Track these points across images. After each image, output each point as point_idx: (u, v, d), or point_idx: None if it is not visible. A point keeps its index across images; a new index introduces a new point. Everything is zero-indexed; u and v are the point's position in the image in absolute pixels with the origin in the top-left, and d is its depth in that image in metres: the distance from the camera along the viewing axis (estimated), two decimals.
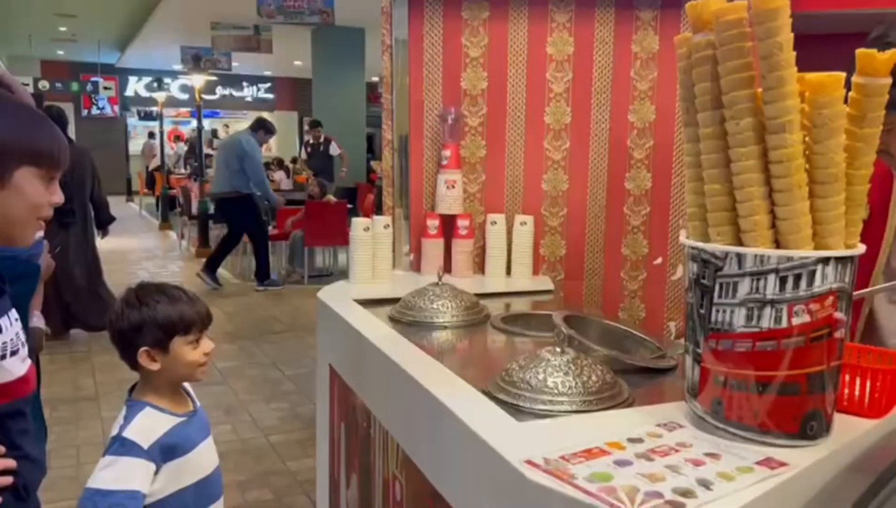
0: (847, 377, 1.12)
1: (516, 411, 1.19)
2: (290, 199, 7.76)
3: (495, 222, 2.31)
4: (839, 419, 1.06)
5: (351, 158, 10.59)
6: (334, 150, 9.84)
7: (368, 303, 1.93)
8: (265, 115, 20.45)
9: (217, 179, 7.00)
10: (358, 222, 2.15)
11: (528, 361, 1.28)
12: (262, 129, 7.02)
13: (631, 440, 1.01)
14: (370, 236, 2.15)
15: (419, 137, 2.33)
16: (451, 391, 1.26)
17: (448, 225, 2.32)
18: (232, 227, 7.09)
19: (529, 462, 0.94)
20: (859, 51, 0.91)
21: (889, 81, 0.91)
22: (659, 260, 2.42)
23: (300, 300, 6.56)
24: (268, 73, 19.00)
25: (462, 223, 2.30)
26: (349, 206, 7.70)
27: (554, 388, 1.22)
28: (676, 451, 0.98)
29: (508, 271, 2.33)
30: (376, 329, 1.67)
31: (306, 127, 11.37)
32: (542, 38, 2.30)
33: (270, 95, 19.92)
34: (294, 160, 12.70)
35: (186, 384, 1.69)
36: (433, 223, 2.30)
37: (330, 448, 1.97)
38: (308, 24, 10.20)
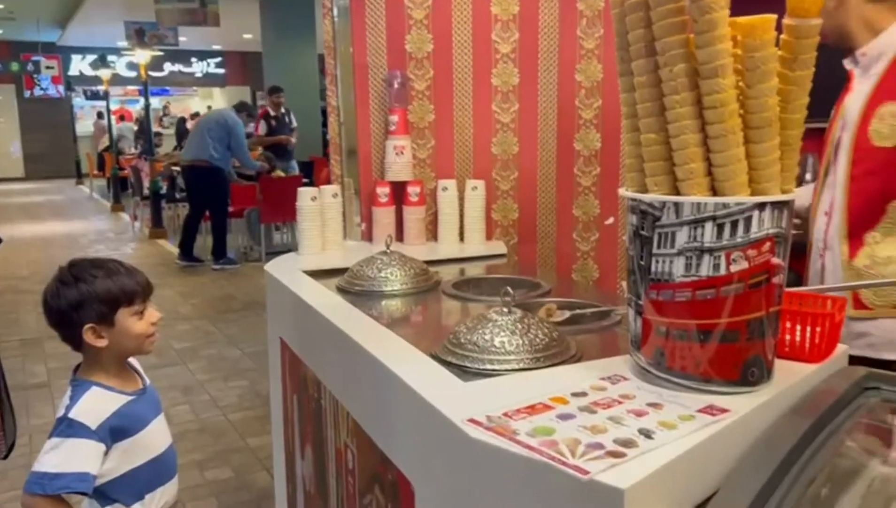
0: (787, 324, 1.13)
1: (464, 372, 1.18)
2: (240, 173, 7.61)
3: (446, 188, 2.28)
4: (780, 365, 1.07)
5: (305, 132, 10.39)
6: (293, 121, 9.63)
7: (318, 274, 1.90)
8: (216, 90, 19.94)
9: (192, 148, 6.96)
10: (304, 192, 2.11)
11: (475, 323, 1.27)
12: (245, 111, 7.39)
13: (574, 395, 1.00)
14: (318, 207, 2.11)
15: (365, 103, 2.28)
16: (398, 356, 1.24)
17: (399, 192, 2.29)
18: (195, 200, 7.06)
19: (472, 421, 0.93)
20: None
21: (819, 21, 0.91)
22: (611, 220, 2.42)
23: (259, 278, 6.47)
24: (217, 47, 18.55)
25: (413, 190, 2.27)
26: (305, 180, 7.58)
27: (501, 347, 1.21)
28: (620, 403, 0.98)
29: (462, 236, 2.32)
30: (324, 299, 1.64)
31: (260, 99, 11.05)
32: None
33: (221, 70, 19.47)
34: (247, 135, 12.44)
35: (135, 362, 1.65)
36: (383, 191, 2.26)
37: (284, 421, 1.94)
38: None
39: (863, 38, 1.69)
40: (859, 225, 1.68)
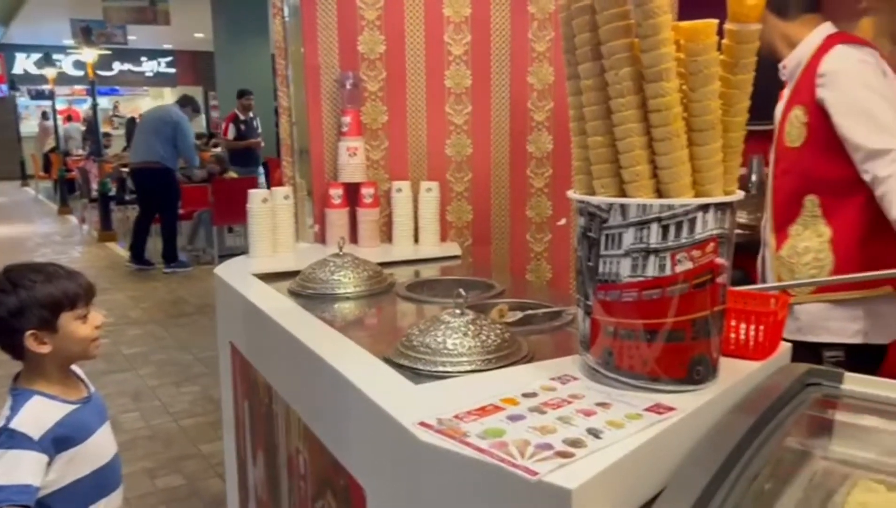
0: (732, 322, 1.15)
1: (416, 375, 1.17)
2: (196, 178, 7.46)
3: (400, 190, 2.28)
4: (726, 363, 1.09)
5: (262, 133, 10.25)
6: (259, 126, 9.45)
7: (269, 277, 1.87)
8: (167, 90, 19.50)
9: (139, 149, 6.73)
10: (255, 194, 2.07)
11: (427, 325, 1.26)
12: (189, 105, 7.03)
13: (525, 395, 1.01)
14: (269, 209, 2.08)
15: (317, 104, 2.26)
16: (349, 359, 1.23)
17: (352, 194, 2.27)
18: (146, 202, 6.85)
19: (423, 424, 0.92)
20: None
21: (759, 27, 0.93)
22: (563, 221, 2.45)
23: (211, 281, 6.34)
24: (168, 46, 18.16)
25: (366, 192, 2.26)
26: (261, 181, 7.48)
27: (453, 349, 1.21)
28: (569, 403, 0.98)
29: (416, 238, 2.31)
30: (275, 303, 1.62)
31: (212, 99, 10.83)
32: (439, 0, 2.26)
33: (172, 70, 19.06)
34: (199, 136, 12.23)
35: (78, 370, 1.60)
36: (336, 193, 2.24)
37: (235, 427, 1.91)
38: None
39: (784, 51, 1.87)
40: (783, 219, 1.85)
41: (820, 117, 1.73)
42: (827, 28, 1.82)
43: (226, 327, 1.93)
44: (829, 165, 1.73)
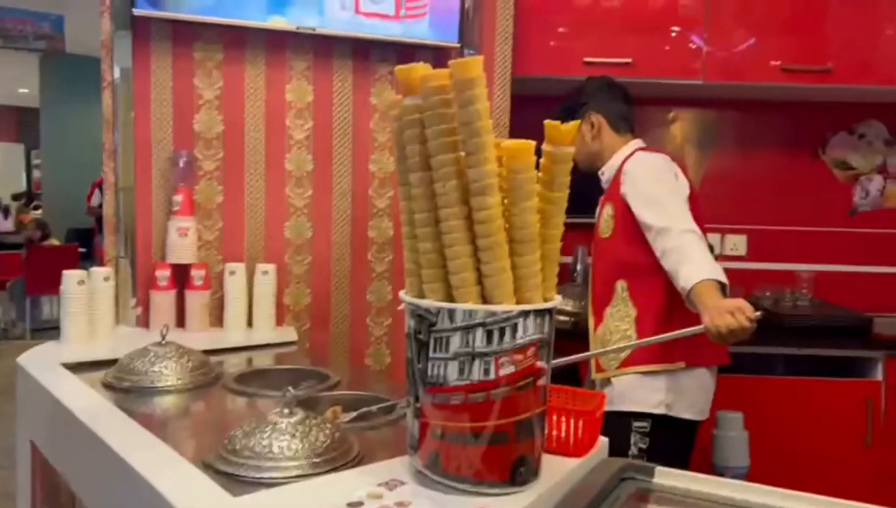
0: (554, 417, 1.20)
1: (237, 482, 1.10)
2: (8, 242, 6.82)
3: (234, 272, 2.20)
4: (548, 460, 1.13)
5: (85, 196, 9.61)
6: None
7: (82, 367, 1.72)
8: None
9: None
10: (70, 276, 1.91)
11: (253, 426, 1.20)
12: None
13: (350, 505, 0.98)
14: (86, 292, 1.92)
15: (147, 180, 2.16)
16: (162, 466, 1.14)
17: (181, 276, 2.16)
18: None
19: None
20: (546, 122, 1.00)
21: (572, 149, 1.01)
22: (403, 306, 2.46)
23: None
24: None
25: (197, 274, 2.16)
26: (82, 250, 6.96)
27: (279, 453, 1.16)
28: None
29: (250, 322, 2.23)
30: (83, 399, 1.48)
31: (35, 158, 10.03)
32: (281, 85, 2.27)
33: None
34: (16, 197, 11.27)
35: None
36: (163, 274, 2.13)
37: None
38: (34, 50, 9.17)
39: (605, 161, 2.12)
40: (600, 303, 2.04)
41: (624, 210, 1.95)
42: (637, 142, 2.11)
43: (26, 424, 1.73)
44: (633, 252, 1.94)
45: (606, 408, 1.85)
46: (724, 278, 1.70)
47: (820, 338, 2.57)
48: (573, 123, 0.99)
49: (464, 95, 0.94)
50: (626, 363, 1.94)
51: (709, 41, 2.62)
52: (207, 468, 1.15)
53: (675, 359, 1.90)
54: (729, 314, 1.59)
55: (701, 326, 1.64)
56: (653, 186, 1.92)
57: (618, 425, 1.82)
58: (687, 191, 1.95)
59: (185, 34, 2.16)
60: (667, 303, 1.89)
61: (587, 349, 2.06)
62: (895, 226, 3.06)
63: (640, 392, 1.92)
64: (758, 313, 1.61)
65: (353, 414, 1.45)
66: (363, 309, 2.45)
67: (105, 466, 1.23)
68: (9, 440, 3.95)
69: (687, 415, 1.93)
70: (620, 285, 1.98)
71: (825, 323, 2.66)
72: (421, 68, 0.98)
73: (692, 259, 1.74)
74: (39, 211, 8.78)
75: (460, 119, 0.95)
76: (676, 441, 1.95)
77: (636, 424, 1.91)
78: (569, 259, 2.80)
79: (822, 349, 2.54)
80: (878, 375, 2.53)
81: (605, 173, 2.12)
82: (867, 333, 2.59)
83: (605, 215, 2.05)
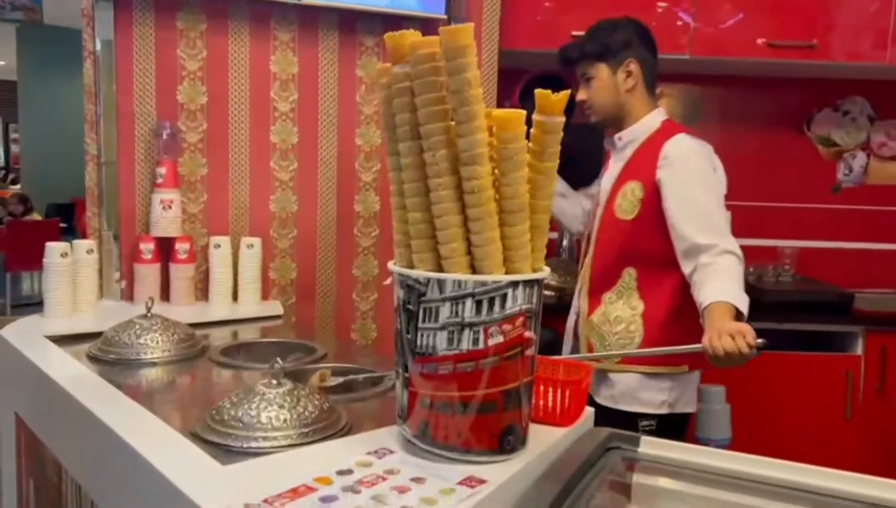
0: (541, 388, 1.21)
1: (226, 452, 1.10)
2: None
3: (219, 245, 2.18)
4: (534, 430, 1.14)
5: (68, 172, 9.47)
6: None
7: (65, 340, 1.71)
8: None
9: None
10: (53, 248, 1.89)
11: (241, 396, 1.20)
12: None
13: (340, 473, 0.98)
14: (69, 264, 1.90)
15: (129, 153, 2.13)
16: (149, 436, 1.14)
17: (165, 249, 2.15)
18: None
19: None
20: (538, 91, 0.99)
21: (563, 119, 1.00)
22: (389, 281, 2.46)
23: None
24: None
25: (181, 247, 2.14)
26: (63, 225, 6.87)
27: (268, 423, 1.16)
28: (384, 479, 0.97)
29: (235, 296, 2.22)
30: (68, 370, 1.47)
31: (13, 132, 9.85)
32: (266, 56, 2.24)
33: None
34: None
35: None
36: (147, 247, 2.11)
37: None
38: (10, 21, 8.97)
39: (628, 123, 1.92)
40: (598, 286, 1.91)
41: (655, 196, 1.80)
42: (661, 112, 1.93)
43: (9, 396, 1.72)
44: (653, 242, 1.81)
45: (610, 405, 1.87)
46: (743, 308, 1.62)
47: (801, 313, 2.60)
48: (564, 93, 0.98)
49: (454, 62, 0.93)
50: (627, 361, 1.86)
51: (696, 17, 2.62)
52: (195, 438, 1.15)
53: (680, 363, 1.83)
54: (729, 337, 1.52)
55: (700, 345, 1.58)
56: (701, 192, 1.76)
57: (624, 425, 1.63)
58: (724, 189, 1.85)
59: (168, 3, 2.12)
60: (677, 303, 1.82)
61: (572, 329, 2.02)
62: (878, 203, 3.10)
63: (645, 393, 1.85)
64: (760, 341, 1.53)
65: (340, 380, 1.45)
66: (349, 284, 2.44)
67: (92, 436, 1.23)
68: None
69: (688, 409, 1.91)
70: (628, 273, 1.85)
71: (807, 298, 2.69)
72: (411, 35, 0.97)
73: (720, 279, 1.65)
74: (18, 186, 8.64)
75: (450, 87, 0.94)
76: (677, 434, 1.91)
77: (643, 423, 1.85)
78: (555, 235, 2.80)
79: (803, 324, 2.58)
80: (858, 349, 2.57)
81: (624, 139, 1.91)
82: (848, 308, 2.63)
83: (628, 194, 1.85)
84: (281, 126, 2.28)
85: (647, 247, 1.84)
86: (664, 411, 1.87)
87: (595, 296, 1.92)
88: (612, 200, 1.89)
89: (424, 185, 1.00)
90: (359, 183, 2.39)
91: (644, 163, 1.84)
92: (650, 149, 1.84)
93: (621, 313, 1.86)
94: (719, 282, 1.65)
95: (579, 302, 1.99)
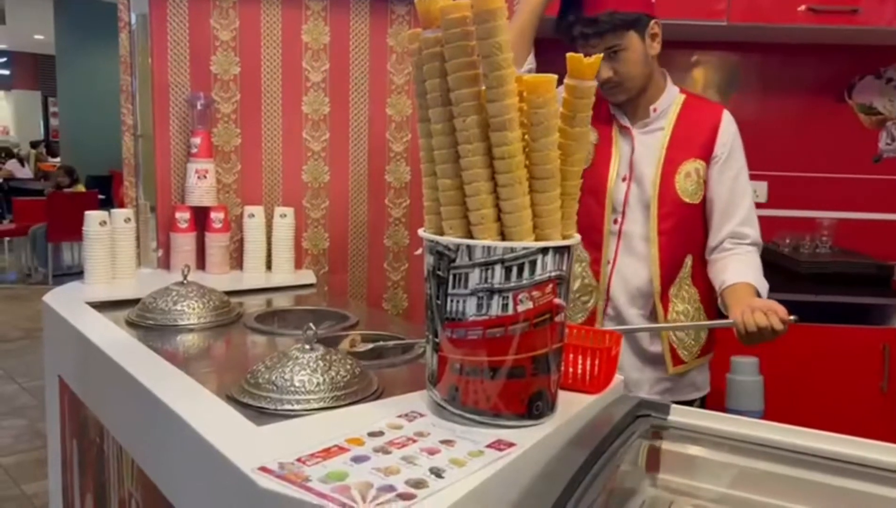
0: (570, 355, 1.21)
1: (261, 414, 1.13)
2: (30, 188, 6.88)
3: (253, 215, 2.21)
4: (563, 397, 1.14)
5: (105, 143, 9.65)
6: None
7: (105, 306, 1.75)
8: (0, 94, 17.94)
9: None
10: (92, 217, 1.94)
11: (275, 361, 1.23)
12: None
13: (371, 434, 1.00)
14: (108, 232, 1.95)
15: (165, 123, 2.16)
16: (188, 398, 1.17)
17: (200, 218, 2.18)
18: None
19: (263, 469, 0.89)
20: (569, 55, 0.98)
21: (594, 84, 0.99)
22: (420, 251, 2.47)
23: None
24: (3, 46, 16.70)
25: (216, 216, 2.17)
26: (101, 197, 7.01)
27: (301, 387, 1.18)
28: (414, 441, 0.99)
29: (269, 265, 2.25)
30: (109, 335, 1.51)
31: (52, 106, 10.04)
32: (297, 25, 2.24)
33: (6, 72, 17.52)
34: (35, 144, 11.33)
35: None
36: (183, 216, 2.14)
37: (62, 467, 1.76)
38: None
39: (651, 92, 1.76)
40: (668, 281, 1.77)
41: (708, 176, 1.73)
42: (667, 75, 1.81)
43: (54, 359, 1.78)
44: (706, 225, 1.78)
45: (678, 398, 1.79)
46: (763, 293, 1.64)
47: (839, 285, 2.56)
48: (597, 57, 0.97)
49: (484, 26, 0.93)
50: (704, 352, 1.83)
51: None
52: (231, 400, 1.18)
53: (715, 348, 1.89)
54: (762, 313, 1.50)
55: (731, 320, 1.55)
56: (746, 177, 1.75)
57: None
58: None
59: None
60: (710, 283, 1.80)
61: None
62: None
63: (705, 378, 1.90)
64: (792, 317, 1.51)
65: (371, 345, 1.47)
66: (380, 253, 2.46)
67: (132, 399, 1.27)
68: (38, 380, 4.08)
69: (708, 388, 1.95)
70: (689, 261, 1.76)
71: (844, 270, 2.64)
72: (442, 0, 0.96)
73: (744, 264, 1.69)
74: (58, 159, 8.82)
75: (481, 52, 0.93)
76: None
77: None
78: None
79: (840, 297, 2.54)
80: None
81: (660, 109, 1.75)
82: (887, 281, 2.58)
83: (693, 175, 1.71)
84: (313, 96, 2.29)
85: (703, 232, 1.78)
86: (705, 391, 1.92)
87: (665, 292, 1.78)
88: (669, 181, 1.72)
89: (455, 151, 1.00)
90: (389, 153, 2.40)
91: (697, 138, 1.73)
92: (695, 121, 1.74)
93: (687, 306, 1.79)
94: (743, 266, 1.68)
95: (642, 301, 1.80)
